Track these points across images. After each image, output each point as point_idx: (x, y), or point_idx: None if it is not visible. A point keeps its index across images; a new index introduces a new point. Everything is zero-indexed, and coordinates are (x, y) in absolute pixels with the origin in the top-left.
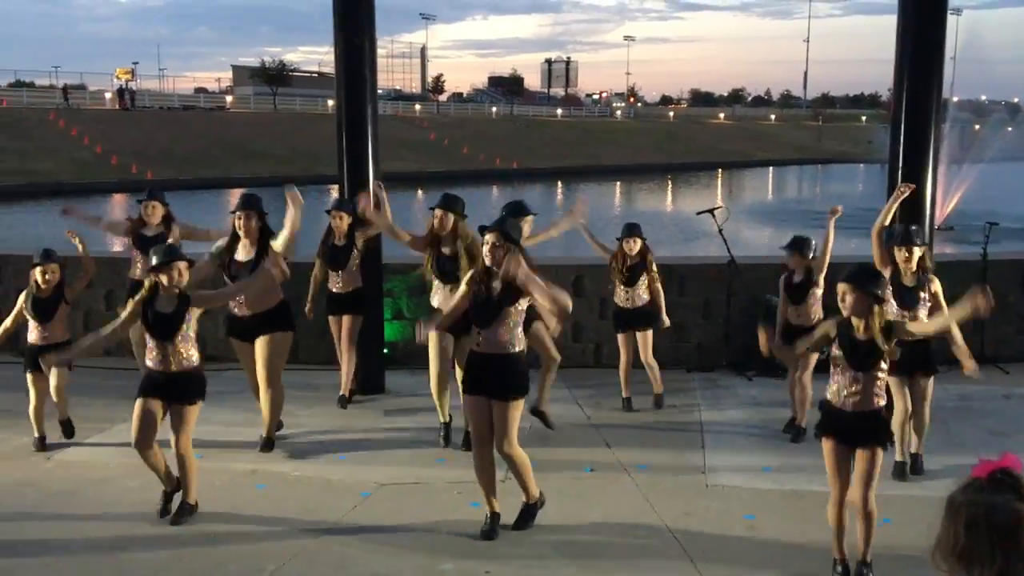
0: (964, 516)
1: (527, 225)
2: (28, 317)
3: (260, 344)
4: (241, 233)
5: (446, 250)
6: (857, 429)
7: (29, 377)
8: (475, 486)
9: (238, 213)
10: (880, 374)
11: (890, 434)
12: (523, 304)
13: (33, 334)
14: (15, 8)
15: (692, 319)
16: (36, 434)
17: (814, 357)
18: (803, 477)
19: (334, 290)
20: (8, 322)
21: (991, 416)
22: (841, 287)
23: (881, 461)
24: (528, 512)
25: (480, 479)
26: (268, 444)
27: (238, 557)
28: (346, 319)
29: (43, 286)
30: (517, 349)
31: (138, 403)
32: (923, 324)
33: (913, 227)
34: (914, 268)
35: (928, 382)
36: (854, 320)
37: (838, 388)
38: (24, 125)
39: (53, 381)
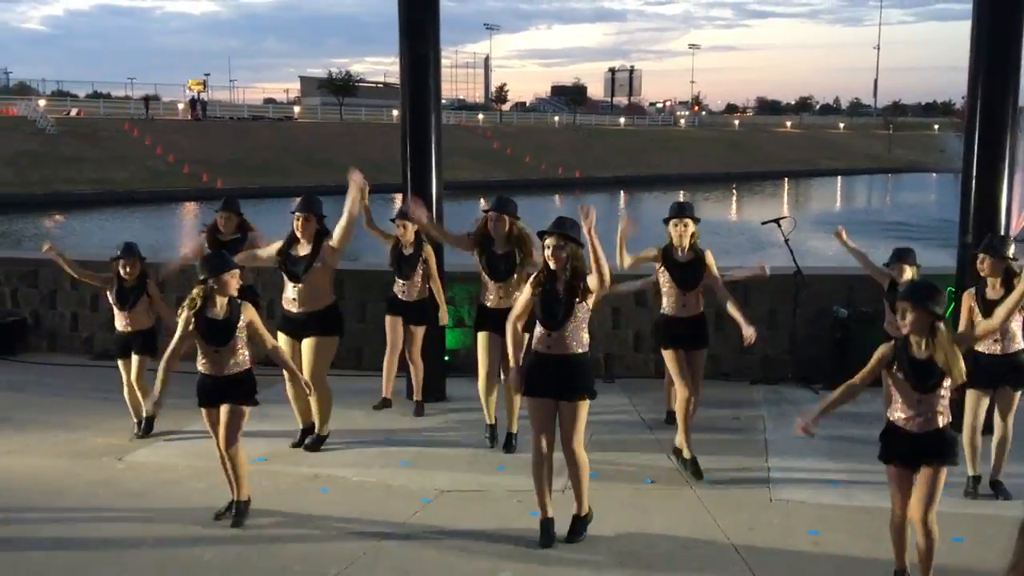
0: None
1: (690, 227)
2: (112, 306)
3: (306, 345)
4: (299, 234)
5: (498, 250)
6: (921, 448)
7: (120, 363)
8: (533, 495)
9: (297, 214)
10: (943, 393)
11: (957, 453)
12: (590, 302)
13: (119, 322)
14: (94, 22)
15: (757, 330)
16: (134, 418)
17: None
18: (870, 492)
19: (399, 296)
20: (94, 280)
21: None
22: (901, 304)
23: (944, 480)
24: (581, 523)
25: (537, 483)
26: (317, 441)
27: (302, 559)
28: (411, 329)
29: (125, 278)
30: (583, 349)
31: (203, 413)
32: (989, 321)
33: (999, 236)
34: (1000, 280)
35: (1015, 396)
36: (913, 338)
37: (900, 409)
38: (100, 135)
39: (133, 373)
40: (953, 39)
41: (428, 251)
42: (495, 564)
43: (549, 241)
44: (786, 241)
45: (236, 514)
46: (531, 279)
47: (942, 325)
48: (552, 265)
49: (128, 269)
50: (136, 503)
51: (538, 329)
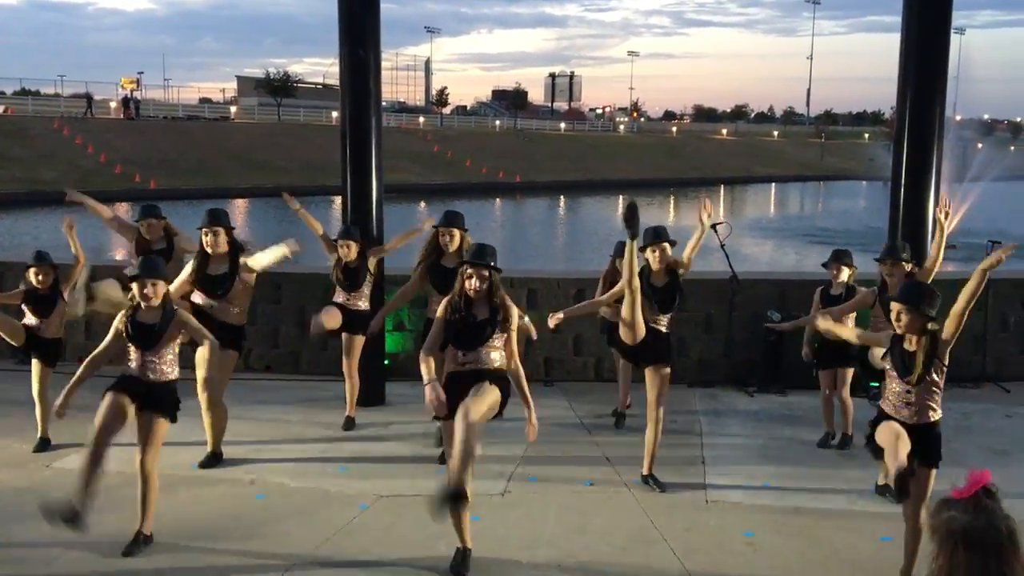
0: (985, 537)
1: (656, 252)
2: (25, 310)
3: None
4: (209, 250)
5: (448, 264)
6: (911, 442)
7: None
8: (475, 499)
9: (205, 230)
10: (935, 389)
11: (940, 454)
12: (512, 325)
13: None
14: (22, 17)
15: (693, 334)
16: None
17: (851, 372)
18: (803, 494)
19: (344, 306)
20: (14, 299)
21: (992, 434)
22: (896, 306)
23: (932, 478)
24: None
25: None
26: (212, 459)
27: (237, 567)
28: (350, 339)
29: (39, 287)
30: (498, 366)
31: (108, 396)
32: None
33: (897, 242)
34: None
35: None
36: (908, 336)
37: (893, 400)
38: (29, 133)
39: (35, 386)
40: (884, 51)
41: (373, 265)
42: (434, 571)
43: (470, 271)
44: (722, 246)
45: (132, 543)
46: (443, 305)
47: (934, 326)
48: (471, 295)
49: (41, 277)
50: None
51: (453, 351)
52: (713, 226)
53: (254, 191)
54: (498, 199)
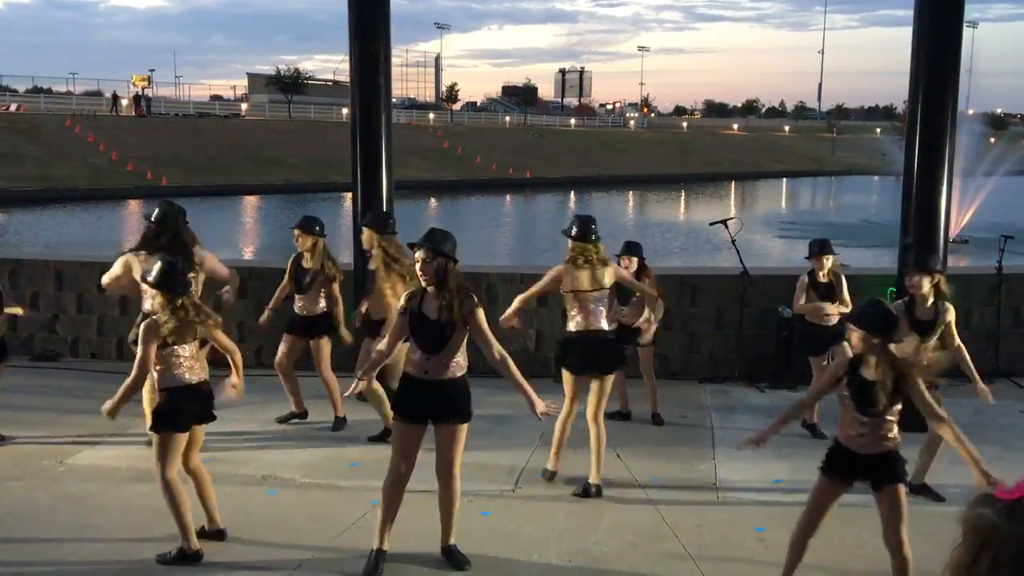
0: (1012, 548)
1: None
2: None
3: None
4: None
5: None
6: (861, 468)
7: None
8: (486, 495)
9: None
10: (890, 418)
11: (905, 470)
12: (474, 325)
13: None
14: (35, 15)
15: (704, 330)
16: None
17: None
18: None
19: (298, 313)
20: None
21: (1005, 431)
22: (849, 324)
23: (904, 497)
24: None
25: (390, 510)
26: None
27: (248, 564)
28: (315, 344)
29: None
30: (462, 373)
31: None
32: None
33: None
34: (931, 299)
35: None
36: (865, 358)
37: (846, 427)
38: (41, 131)
39: None
40: (896, 44)
41: (334, 270)
42: (444, 566)
43: (418, 254)
44: (733, 242)
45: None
46: (403, 297)
47: (890, 348)
48: (423, 282)
49: None
50: (77, 507)
51: (416, 354)
52: (724, 222)
53: (265, 188)
54: (508, 195)
